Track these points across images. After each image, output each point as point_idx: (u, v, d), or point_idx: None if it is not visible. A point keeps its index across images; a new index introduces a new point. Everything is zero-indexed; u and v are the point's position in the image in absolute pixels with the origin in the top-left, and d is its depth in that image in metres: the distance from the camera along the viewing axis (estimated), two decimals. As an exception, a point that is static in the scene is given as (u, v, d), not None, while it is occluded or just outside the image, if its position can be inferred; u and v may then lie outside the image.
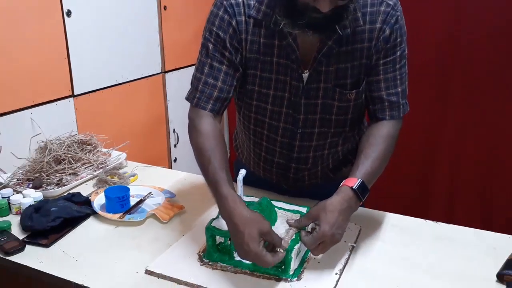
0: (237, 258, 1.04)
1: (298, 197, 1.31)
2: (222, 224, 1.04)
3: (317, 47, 1.11)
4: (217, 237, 1.06)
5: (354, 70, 1.14)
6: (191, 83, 1.20)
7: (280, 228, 1.04)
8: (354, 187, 1.03)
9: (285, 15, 1.04)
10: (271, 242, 0.97)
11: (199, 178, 1.53)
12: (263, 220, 0.97)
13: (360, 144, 1.16)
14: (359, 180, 1.04)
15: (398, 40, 1.13)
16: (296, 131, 1.21)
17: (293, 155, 1.25)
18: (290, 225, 1.03)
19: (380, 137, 1.14)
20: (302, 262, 1.05)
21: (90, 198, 1.34)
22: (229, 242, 1.05)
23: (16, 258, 1.10)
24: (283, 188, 1.35)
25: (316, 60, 1.12)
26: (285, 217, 1.08)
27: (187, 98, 1.21)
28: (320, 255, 1.04)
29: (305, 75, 1.14)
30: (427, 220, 1.26)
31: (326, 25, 1.04)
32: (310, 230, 1.01)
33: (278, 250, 0.96)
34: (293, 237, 1.00)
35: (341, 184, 1.05)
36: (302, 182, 1.32)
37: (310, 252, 1.07)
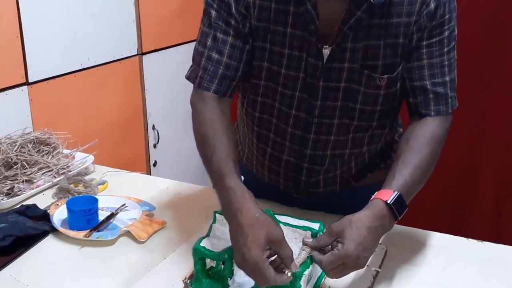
0: (232, 286, 1.04)
1: (311, 210, 1.31)
2: (214, 244, 1.04)
3: (343, 18, 1.11)
4: (208, 261, 1.06)
5: (387, 49, 1.14)
6: (193, 59, 1.22)
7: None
8: (389, 202, 1.02)
9: None
10: (281, 256, 0.96)
11: (184, 187, 1.53)
12: (275, 225, 0.98)
13: (398, 147, 1.16)
14: (396, 193, 1.04)
15: (447, 16, 1.13)
16: (311, 120, 1.22)
17: (306, 151, 1.26)
18: (307, 245, 1.01)
19: (423, 138, 1.13)
20: (314, 292, 1.05)
21: (48, 211, 1.34)
22: (222, 266, 1.05)
23: (-44, 287, 1.10)
24: (293, 197, 1.35)
25: (340, 34, 1.12)
26: (292, 236, 1.08)
27: (188, 77, 1.22)
28: (336, 282, 1.04)
29: (326, 51, 1.15)
30: (470, 239, 1.26)
31: None
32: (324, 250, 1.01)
33: (285, 272, 0.96)
34: (306, 260, 1.00)
35: (373, 196, 1.05)
36: (316, 189, 1.32)
37: (323, 279, 1.07)
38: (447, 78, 1.16)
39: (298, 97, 1.20)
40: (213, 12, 1.17)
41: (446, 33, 1.14)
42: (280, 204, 1.35)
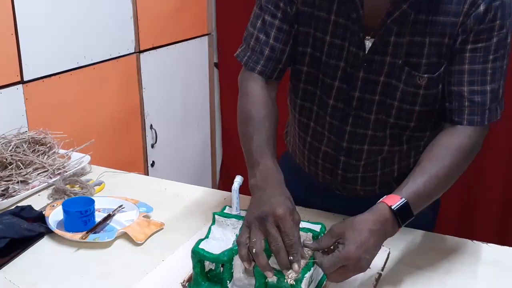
0: (232, 289, 1.04)
1: (345, 214, 1.30)
2: (213, 246, 1.03)
3: (387, 10, 1.11)
4: (207, 263, 1.06)
5: (432, 48, 1.13)
6: (244, 39, 1.27)
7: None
8: (393, 207, 1.02)
9: None
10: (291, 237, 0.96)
11: (182, 188, 1.53)
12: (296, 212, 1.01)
13: (423, 152, 1.14)
14: (403, 200, 1.03)
15: (497, 22, 1.09)
16: (349, 112, 1.23)
17: (343, 144, 1.27)
18: (308, 247, 1.02)
19: (447, 148, 1.11)
20: (315, 295, 1.04)
21: (44, 212, 1.33)
22: (221, 269, 1.05)
23: (-51, 290, 1.10)
24: (335, 194, 1.35)
25: (384, 26, 1.13)
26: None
27: (237, 55, 1.28)
28: (338, 284, 1.04)
29: (368, 42, 1.15)
30: (474, 241, 1.26)
31: None
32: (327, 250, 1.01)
33: (287, 276, 0.95)
34: (307, 262, 1.00)
35: (381, 199, 1.04)
36: (353, 186, 1.33)
37: (325, 281, 1.07)
38: (488, 88, 1.13)
39: (337, 87, 1.22)
40: None
41: (495, 39, 1.10)
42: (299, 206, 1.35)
